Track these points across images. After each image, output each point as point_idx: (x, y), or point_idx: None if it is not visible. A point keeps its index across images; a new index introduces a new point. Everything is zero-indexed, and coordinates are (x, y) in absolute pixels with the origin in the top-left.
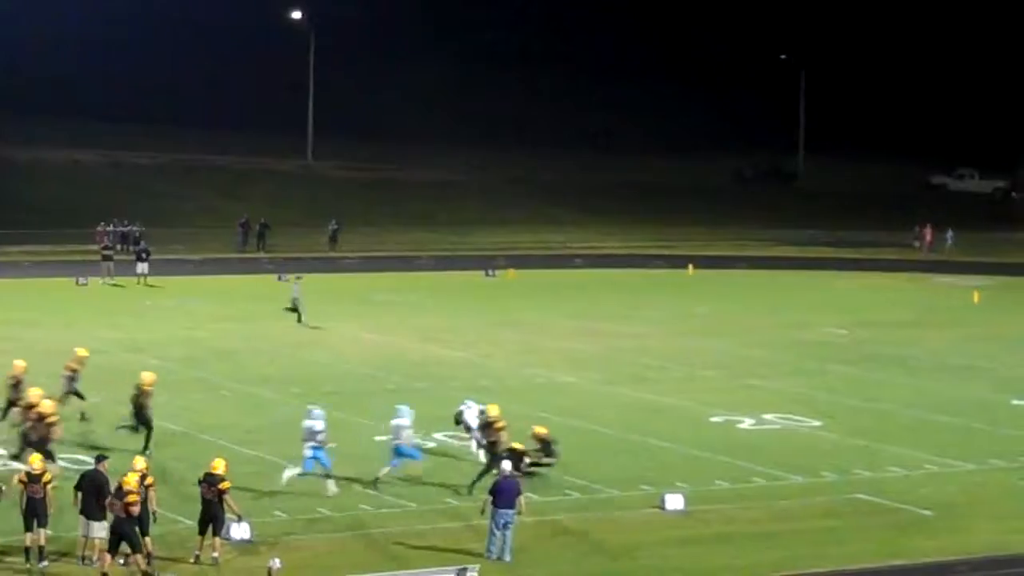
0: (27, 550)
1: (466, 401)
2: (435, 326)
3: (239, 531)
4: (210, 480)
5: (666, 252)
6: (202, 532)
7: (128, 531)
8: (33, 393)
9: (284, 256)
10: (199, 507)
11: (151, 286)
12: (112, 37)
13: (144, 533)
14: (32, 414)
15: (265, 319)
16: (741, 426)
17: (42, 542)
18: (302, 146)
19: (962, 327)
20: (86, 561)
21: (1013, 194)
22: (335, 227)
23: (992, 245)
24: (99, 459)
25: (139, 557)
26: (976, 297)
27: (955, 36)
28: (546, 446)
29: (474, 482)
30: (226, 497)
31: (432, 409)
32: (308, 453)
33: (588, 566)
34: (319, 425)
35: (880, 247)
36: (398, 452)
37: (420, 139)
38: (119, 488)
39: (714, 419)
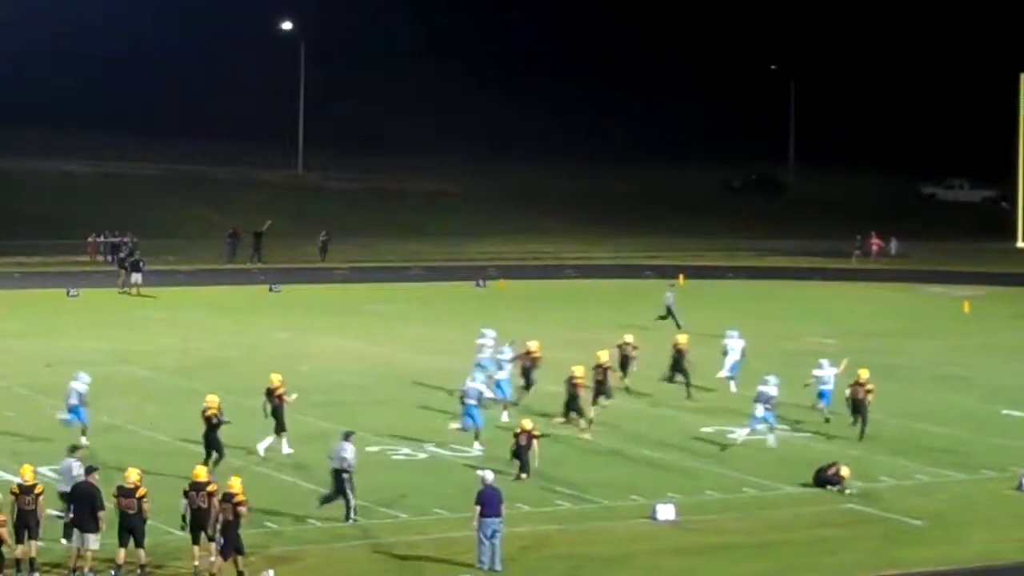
0: (18, 562)
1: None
2: (425, 337)
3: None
4: (226, 497)
5: (656, 262)
6: (196, 541)
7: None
8: None
9: (274, 267)
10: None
11: (145, 296)
12: (103, 49)
13: (139, 544)
14: None
15: (256, 330)
16: (732, 436)
17: (33, 553)
18: (293, 157)
19: (952, 337)
20: (77, 573)
21: (1003, 204)
22: (325, 238)
23: (982, 255)
24: (89, 470)
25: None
26: (967, 307)
27: (945, 46)
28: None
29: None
30: (241, 510)
31: (422, 420)
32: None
33: (580, 574)
34: None
35: (870, 257)
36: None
37: (411, 149)
38: (122, 487)
39: (705, 429)
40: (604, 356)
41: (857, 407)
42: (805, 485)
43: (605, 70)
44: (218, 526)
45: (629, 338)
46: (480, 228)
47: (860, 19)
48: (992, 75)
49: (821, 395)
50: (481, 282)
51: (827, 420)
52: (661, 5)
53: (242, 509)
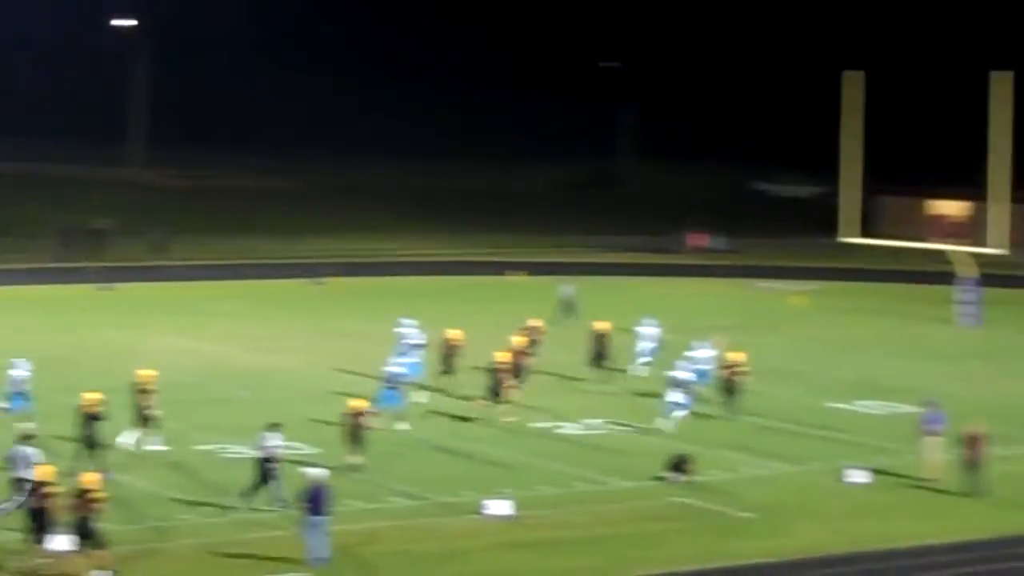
0: None
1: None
2: (262, 335)
3: (61, 541)
4: (80, 493)
5: (494, 259)
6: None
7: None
8: None
9: (109, 265)
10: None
11: None
12: None
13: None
14: None
15: (89, 328)
16: (565, 431)
17: None
18: (127, 154)
19: (784, 331)
20: None
21: (831, 199)
22: (160, 235)
23: (813, 250)
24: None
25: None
26: (798, 301)
27: (777, 42)
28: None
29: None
30: (95, 506)
31: (255, 418)
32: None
33: (415, 572)
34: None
35: (705, 253)
36: None
37: (246, 147)
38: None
39: (537, 425)
40: (520, 341)
41: (730, 388)
42: (638, 479)
43: (446, 69)
44: (73, 522)
45: (537, 323)
46: (317, 225)
47: (695, 15)
48: (820, 72)
49: (700, 375)
50: (318, 279)
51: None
52: (494, 2)
53: (96, 505)
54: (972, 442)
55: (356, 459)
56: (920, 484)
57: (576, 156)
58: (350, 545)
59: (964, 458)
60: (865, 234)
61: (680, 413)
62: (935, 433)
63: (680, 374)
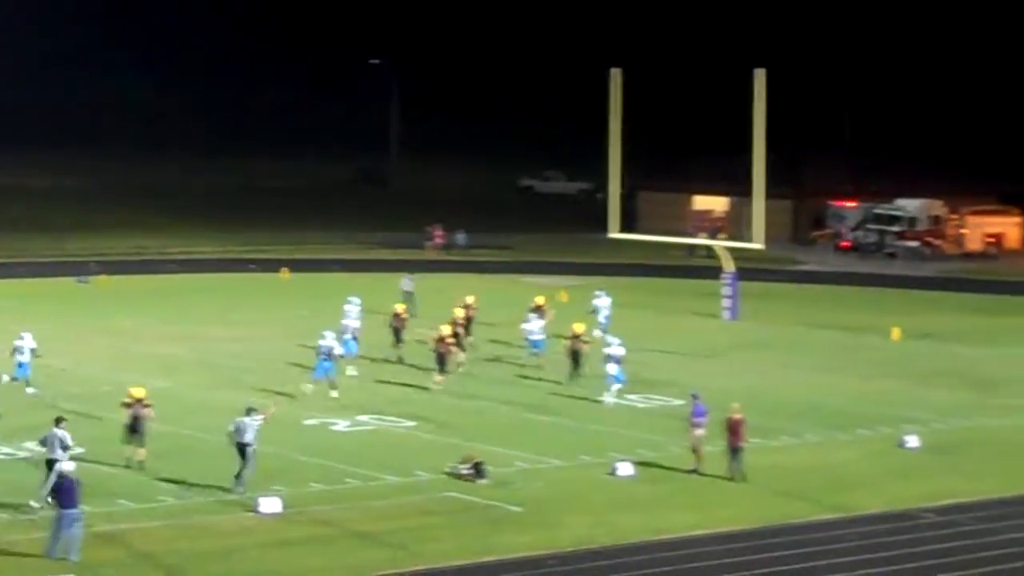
0: None
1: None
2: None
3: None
4: None
5: (261, 256)
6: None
7: None
8: None
9: None
10: None
11: None
12: None
13: None
14: None
15: None
16: (336, 428)
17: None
18: None
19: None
20: None
21: (598, 196)
22: None
23: (579, 245)
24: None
25: None
26: (564, 296)
27: (542, 41)
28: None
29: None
30: None
31: (21, 418)
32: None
33: (186, 571)
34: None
35: (479, 249)
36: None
37: (6, 145)
38: None
39: (309, 421)
40: (460, 313)
41: (575, 357)
42: (406, 475)
43: (219, 66)
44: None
45: (470, 300)
46: (81, 223)
47: (465, 13)
48: (587, 71)
49: (534, 344)
50: (83, 278)
51: (539, 367)
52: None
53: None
54: (733, 428)
55: (138, 453)
56: (686, 476)
57: (348, 153)
58: (121, 545)
59: (727, 444)
60: (632, 230)
61: (617, 386)
62: (699, 425)
63: (614, 350)
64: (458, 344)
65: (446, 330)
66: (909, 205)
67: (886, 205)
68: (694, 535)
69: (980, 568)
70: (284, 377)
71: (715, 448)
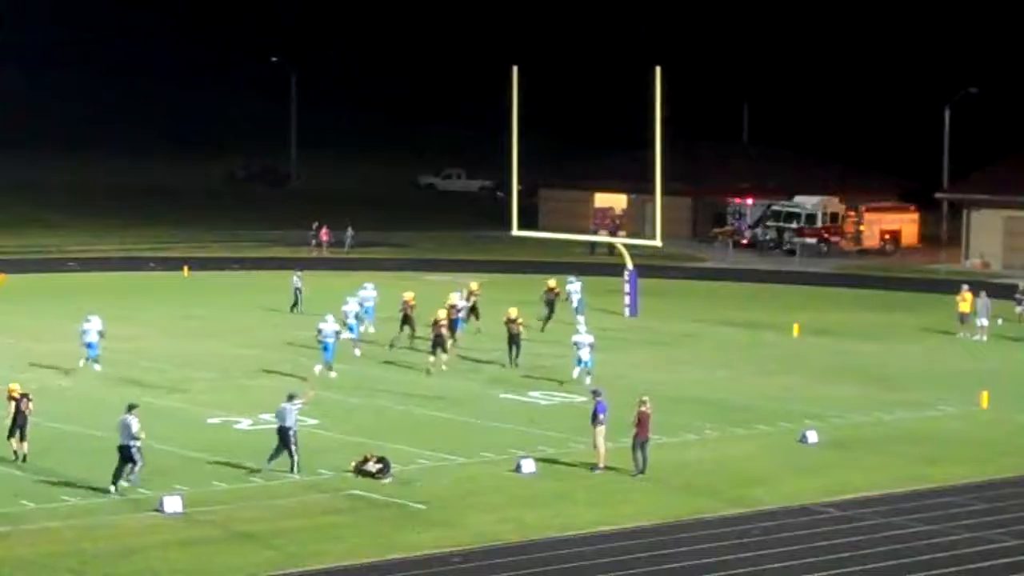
0: None
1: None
2: None
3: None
4: None
5: (161, 254)
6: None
7: None
8: None
9: None
10: None
11: None
12: None
13: None
14: None
15: None
16: (239, 427)
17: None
18: None
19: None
20: None
21: (498, 193)
22: None
23: (479, 243)
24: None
25: None
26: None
27: (440, 35)
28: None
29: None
30: None
31: None
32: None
33: (87, 571)
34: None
35: (374, 246)
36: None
37: None
38: None
39: (212, 420)
40: (455, 299)
41: (513, 340)
42: (309, 473)
43: (116, 59)
44: None
45: (474, 285)
46: None
47: (361, 11)
48: (488, 68)
49: (367, 312)
50: None
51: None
52: None
53: None
54: (643, 421)
55: (21, 448)
56: (589, 472)
57: (248, 152)
58: (23, 547)
59: (634, 438)
60: (534, 227)
61: (578, 369)
62: (601, 422)
63: (582, 338)
64: (451, 331)
65: (442, 314)
66: (807, 202)
67: (785, 202)
68: (599, 531)
69: (880, 562)
70: (183, 375)
71: (617, 445)
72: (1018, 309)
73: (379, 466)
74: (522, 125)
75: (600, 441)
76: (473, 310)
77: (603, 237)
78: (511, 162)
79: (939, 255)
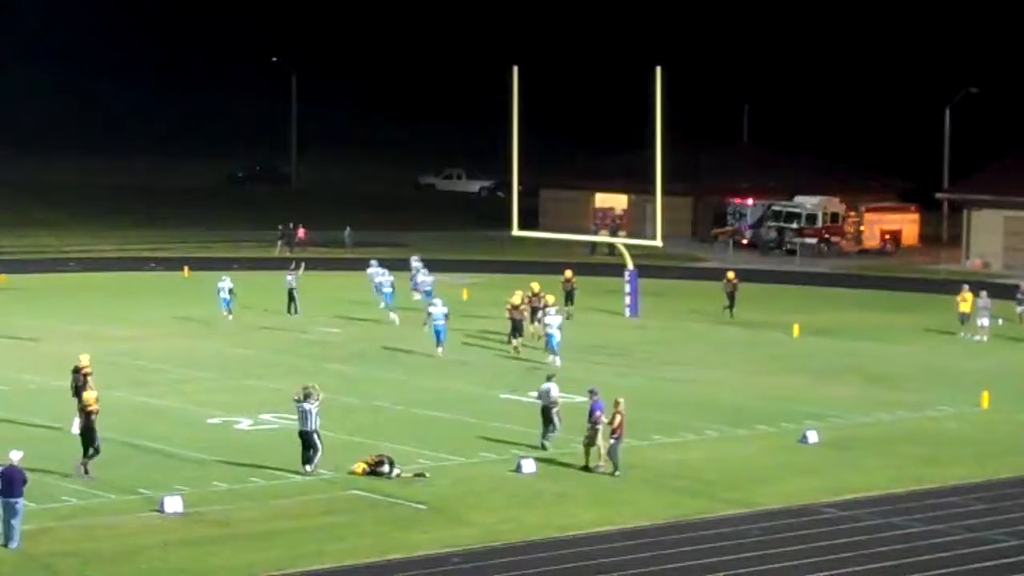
0: None
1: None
2: None
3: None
4: None
5: (162, 255)
6: None
7: None
8: None
9: None
10: None
11: None
12: None
13: None
14: None
15: None
16: (239, 427)
17: None
18: None
19: (454, 322)
20: None
21: (499, 193)
22: None
23: (480, 243)
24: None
25: None
26: (465, 294)
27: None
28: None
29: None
30: None
31: None
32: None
33: (86, 571)
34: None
35: (372, 247)
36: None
37: None
38: None
39: (212, 420)
40: (537, 287)
41: (568, 296)
42: (311, 474)
43: (110, 61)
44: None
45: (536, 287)
46: None
47: (361, 11)
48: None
49: (387, 297)
50: None
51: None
52: None
53: None
54: (617, 423)
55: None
56: (589, 472)
57: (249, 152)
58: (23, 547)
59: (610, 436)
60: (535, 227)
61: (554, 356)
62: (597, 421)
63: (551, 319)
64: (532, 317)
65: (517, 299)
66: (808, 202)
67: (785, 202)
68: (599, 531)
69: (880, 562)
70: (183, 375)
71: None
72: (1019, 309)
73: (388, 467)
74: (522, 125)
75: (600, 441)
76: (568, 296)
77: (604, 237)
78: (511, 162)
79: (939, 255)
